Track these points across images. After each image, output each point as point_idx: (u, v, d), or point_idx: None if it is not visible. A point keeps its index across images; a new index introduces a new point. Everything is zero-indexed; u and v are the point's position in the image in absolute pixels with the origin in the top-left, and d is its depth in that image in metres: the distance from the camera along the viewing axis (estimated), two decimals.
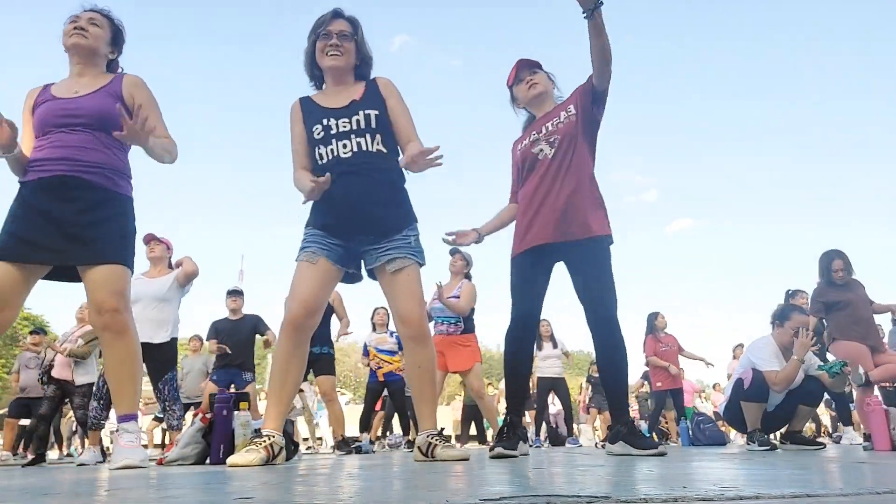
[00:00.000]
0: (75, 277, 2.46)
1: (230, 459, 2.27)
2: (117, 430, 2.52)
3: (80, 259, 2.37)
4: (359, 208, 2.38)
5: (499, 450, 2.58)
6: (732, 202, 64.31)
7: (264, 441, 2.28)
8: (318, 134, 2.45)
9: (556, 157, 2.79)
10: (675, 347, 7.71)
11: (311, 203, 2.44)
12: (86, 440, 5.81)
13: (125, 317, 2.41)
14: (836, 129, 61.67)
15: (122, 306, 2.39)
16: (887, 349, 5.00)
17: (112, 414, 4.48)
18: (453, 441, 12.70)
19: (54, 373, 5.57)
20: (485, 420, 10.07)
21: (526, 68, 2.98)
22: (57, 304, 49.87)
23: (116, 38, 2.65)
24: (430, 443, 2.36)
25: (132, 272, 2.53)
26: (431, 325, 5.06)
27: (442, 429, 2.50)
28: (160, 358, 4.40)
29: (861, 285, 4.99)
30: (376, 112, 2.44)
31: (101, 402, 4.68)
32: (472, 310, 5.17)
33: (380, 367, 6.62)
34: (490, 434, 9.20)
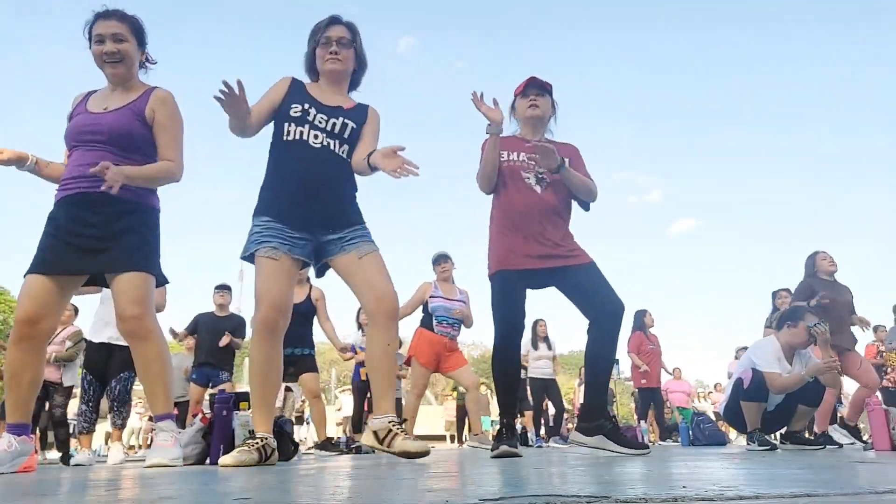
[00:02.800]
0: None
1: (221, 460, 2.27)
2: (153, 430, 2.67)
3: (103, 267, 2.46)
4: (325, 197, 2.39)
5: (503, 448, 2.61)
6: (736, 203, 64.23)
7: (257, 443, 2.28)
8: (295, 112, 2.44)
9: (544, 193, 2.89)
10: (659, 349, 7.74)
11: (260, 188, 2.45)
12: (70, 439, 5.77)
13: (147, 323, 2.48)
14: (843, 129, 61.55)
15: (142, 313, 2.45)
16: (854, 350, 4.98)
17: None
18: (448, 441, 12.70)
19: None
20: (484, 420, 10.08)
21: (535, 87, 3.03)
22: None
23: (140, 38, 2.61)
24: (389, 429, 2.26)
25: (160, 279, 2.59)
26: (434, 324, 5.16)
27: (404, 419, 2.46)
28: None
29: (847, 290, 5.02)
30: (354, 126, 2.51)
31: (90, 405, 4.68)
32: None
33: (363, 366, 6.65)
34: (489, 432, 9.18)
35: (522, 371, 7.88)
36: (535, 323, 7.97)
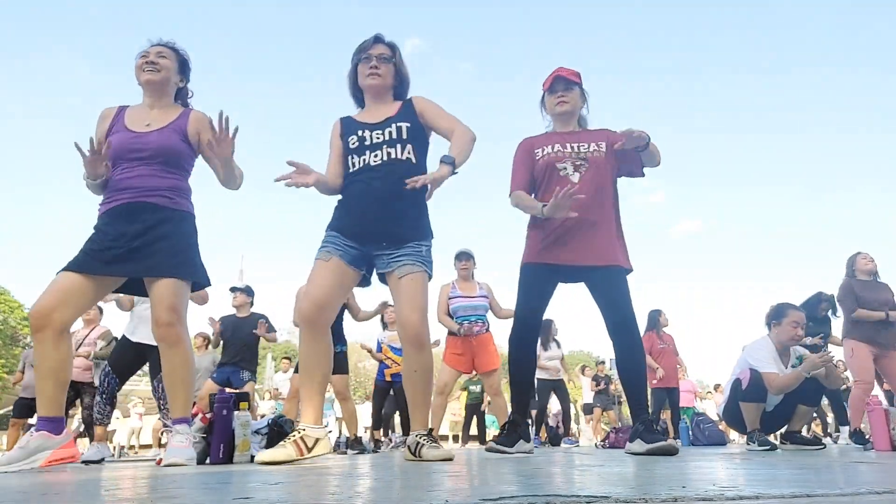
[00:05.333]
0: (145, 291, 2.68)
1: (258, 457, 2.31)
2: (171, 431, 2.75)
3: (140, 272, 2.60)
4: (379, 213, 2.46)
5: (491, 444, 2.69)
6: (740, 205, 64.02)
7: (294, 435, 2.33)
8: (353, 144, 2.57)
9: (582, 182, 2.87)
10: (673, 347, 7.70)
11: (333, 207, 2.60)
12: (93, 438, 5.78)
13: (178, 329, 2.62)
14: (848, 129, 61.33)
15: (174, 320, 2.61)
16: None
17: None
18: (451, 441, 12.75)
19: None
20: (488, 419, 10.09)
21: (562, 82, 3.05)
22: None
23: (183, 67, 2.89)
24: (418, 442, 2.43)
25: (202, 282, 2.76)
26: (458, 325, 5.21)
27: (431, 429, 2.55)
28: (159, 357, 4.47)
29: (887, 288, 5.02)
30: (408, 124, 2.56)
31: (105, 396, 4.74)
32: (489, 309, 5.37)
33: (388, 367, 6.74)
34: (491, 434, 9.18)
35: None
36: (549, 323, 7.95)
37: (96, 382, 5.68)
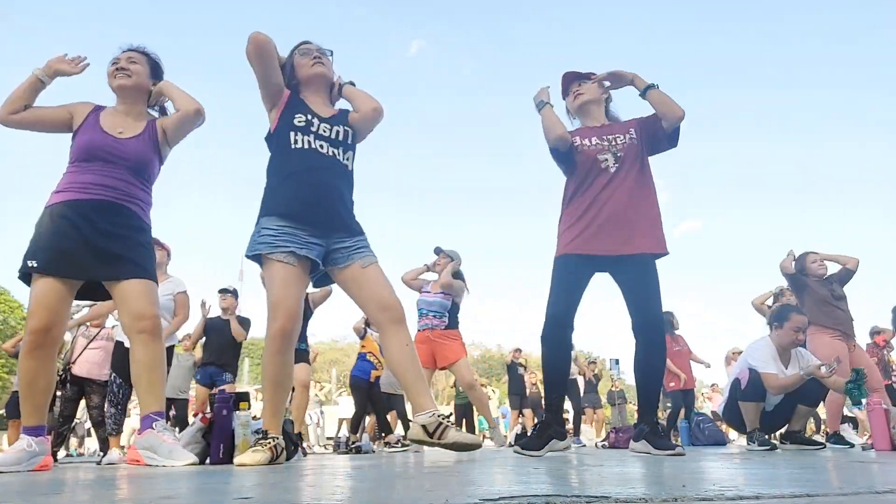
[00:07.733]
0: (96, 296, 2.75)
1: (237, 459, 2.34)
2: (153, 428, 2.69)
3: (116, 275, 2.61)
4: (336, 202, 2.48)
5: (518, 448, 2.68)
6: (740, 206, 64.05)
7: (269, 442, 2.37)
8: (300, 122, 2.53)
9: (619, 171, 2.88)
10: (687, 348, 7.66)
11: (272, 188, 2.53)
12: (98, 440, 5.78)
13: (160, 323, 2.70)
14: (849, 130, 61.24)
15: (157, 314, 2.69)
16: (856, 344, 4.94)
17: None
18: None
19: (77, 370, 5.41)
20: (478, 417, 10.09)
21: (574, 80, 3.07)
22: None
23: (155, 70, 2.91)
24: (440, 423, 2.24)
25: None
26: (416, 319, 5.23)
27: (450, 413, 2.52)
28: None
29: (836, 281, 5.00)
30: (351, 131, 2.63)
31: (119, 407, 4.83)
32: (457, 307, 5.30)
33: (375, 368, 6.67)
34: (488, 432, 9.18)
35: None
36: None
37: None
